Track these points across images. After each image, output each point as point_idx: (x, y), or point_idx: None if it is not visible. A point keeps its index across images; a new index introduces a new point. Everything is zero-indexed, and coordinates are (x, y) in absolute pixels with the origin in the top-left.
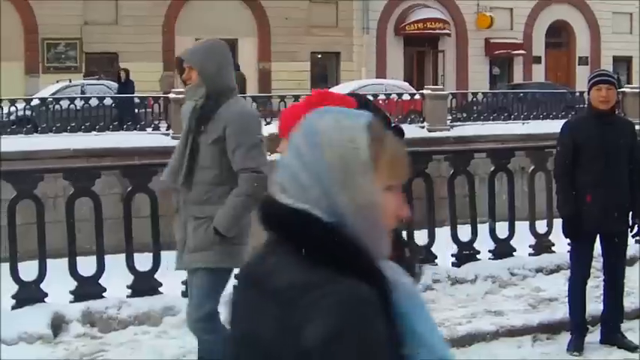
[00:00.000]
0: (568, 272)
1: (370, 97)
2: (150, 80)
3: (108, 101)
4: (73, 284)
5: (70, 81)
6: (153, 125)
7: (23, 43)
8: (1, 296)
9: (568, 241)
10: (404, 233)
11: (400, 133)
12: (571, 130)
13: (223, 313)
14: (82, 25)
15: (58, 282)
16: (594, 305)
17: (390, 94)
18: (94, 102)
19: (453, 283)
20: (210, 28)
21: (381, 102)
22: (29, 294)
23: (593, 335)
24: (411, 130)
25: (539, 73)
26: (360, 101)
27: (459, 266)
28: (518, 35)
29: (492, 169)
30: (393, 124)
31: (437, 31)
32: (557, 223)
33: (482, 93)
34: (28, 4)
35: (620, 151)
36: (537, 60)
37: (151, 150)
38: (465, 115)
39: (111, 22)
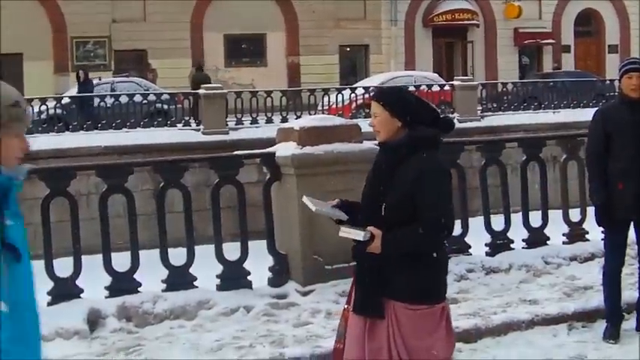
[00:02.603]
0: (602, 260)
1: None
2: (179, 77)
3: (138, 98)
4: (108, 280)
5: (100, 79)
6: (183, 121)
7: (52, 42)
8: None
9: (602, 229)
10: None
11: (450, 124)
12: (602, 117)
13: None
14: (110, 23)
15: (93, 278)
16: (629, 293)
17: (420, 86)
18: (124, 99)
19: (487, 272)
20: (238, 23)
21: None
22: (65, 290)
23: (629, 323)
24: None
25: (568, 61)
26: (406, 96)
27: (493, 255)
28: (547, 24)
29: (524, 158)
30: (442, 116)
31: (465, 22)
32: (591, 211)
33: (512, 83)
34: (56, 3)
35: None
36: (566, 49)
37: (182, 146)
38: (495, 105)
39: (139, 20)
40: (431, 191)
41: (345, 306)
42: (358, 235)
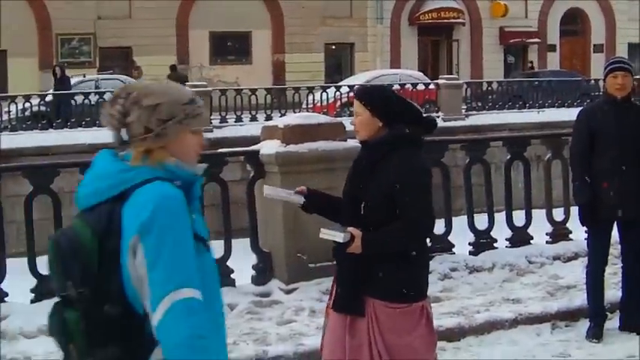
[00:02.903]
0: (585, 259)
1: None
2: (164, 74)
3: None
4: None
5: (85, 76)
6: None
7: (37, 39)
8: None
9: (585, 228)
10: None
11: (433, 123)
12: (587, 117)
13: None
14: (95, 20)
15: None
16: (612, 292)
17: (405, 84)
18: (108, 96)
19: (470, 271)
20: (223, 20)
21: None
22: (48, 288)
23: (612, 322)
24: None
25: (554, 61)
26: (388, 96)
27: (476, 254)
28: (533, 23)
29: (509, 157)
30: (426, 115)
31: (451, 21)
32: (574, 210)
33: (497, 82)
34: (42, 0)
35: (636, 138)
36: (552, 48)
37: None
38: (479, 104)
39: (124, 17)
40: (411, 190)
41: (329, 302)
42: (338, 236)
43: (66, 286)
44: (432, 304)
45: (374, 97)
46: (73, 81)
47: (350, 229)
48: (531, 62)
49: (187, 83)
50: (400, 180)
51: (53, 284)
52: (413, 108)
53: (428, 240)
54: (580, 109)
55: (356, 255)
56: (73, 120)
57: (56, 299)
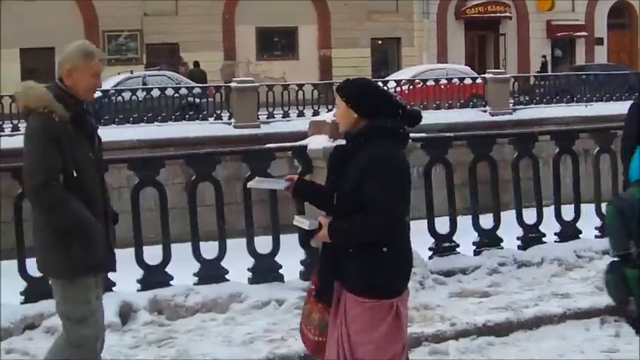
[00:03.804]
0: None
1: (432, 82)
2: (210, 70)
3: (170, 92)
4: (139, 273)
5: (132, 72)
6: (215, 115)
7: (84, 36)
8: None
9: None
10: None
11: (414, 116)
12: (639, 110)
13: None
14: (142, 17)
15: (125, 271)
16: None
17: (452, 79)
18: (155, 93)
19: (519, 266)
20: (270, 16)
21: (442, 87)
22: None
23: None
24: (474, 115)
25: (601, 54)
26: (365, 89)
27: (524, 249)
28: (580, 17)
29: (557, 151)
30: (408, 109)
31: (498, 15)
32: None
33: (545, 75)
34: None
35: None
36: (599, 41)
37: (214, 139)
38: (527, 98)
39: (171, 13)
40: (374, 182)
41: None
42: (305, 224)
43: (628, 246)
44: (480, 299)
45: (350, 89)
46: (120, 78)
47: (320, 217)
48: (544, 56)
49: (235, 79)
50: (366, 172)
51: (612, 243)
52: (392, 102)
53: (396, 235)
54: (632, 102)
55: (331, 245)
56: (120, 116)
57: (614, 259)
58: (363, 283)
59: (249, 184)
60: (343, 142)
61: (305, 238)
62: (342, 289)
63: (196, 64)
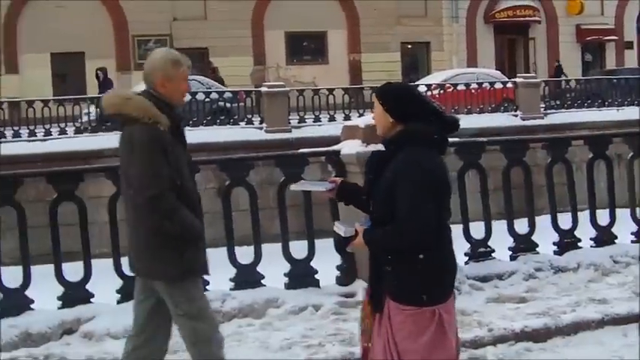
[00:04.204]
0: None
1: (462, 87)
2: (240, 75)
3: (200, 96)
4: None
5: None
6: (246, 119)
7: (114, 41)
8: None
9: None
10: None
11: (450, 123)
12: None
13: None
14: (171, 22)
15: None
16: None
17: (483, 83)
18: (186, 97)
19: (555, 271)
20: (299, 21)
21: (473, 91)
22: (133, 288)
23: None
24: (505, 119)
25: (631, 58)
26: (402, 93)
27: (560, 254)
28: (610, 21)
29: (590, 156)
30: (445, 115)
31: (527, 19)
32: None
33: (576, 80)
34: (118, 2)
35: None
36: (629, 45)
37: (245, 144)
38: (558, 102)
39: (200, 18)
40: (405, 188)
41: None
42: (342, 230)
43: None
44: (518, 305)
45: (387, 93)
46: None
47: (356, 224)
48: (557, 61)
49: (265, 83)
50: (397, 178)
51: None
52: (429, 107)
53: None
54: None
55: (375, 254)
56: None
57: None
58: (401, 290)
59: (292, 187)
60: (380, 147)
61: (342, 244)
62: (386, 296)
63: (214, 70)
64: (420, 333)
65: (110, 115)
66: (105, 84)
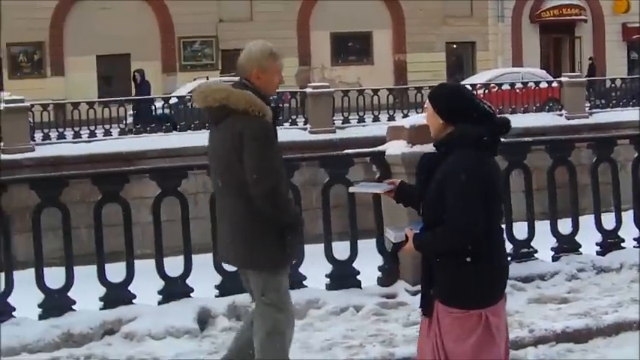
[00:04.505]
0: None
1: (507, 86)
2: (286, 75)
3: None
4: (218, 279)
5: (208, 78)
6: (290, 120)
7: (160, 43)
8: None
9: None
10: None
11: (502, 124)
12: None
13: None
14: (217, 23)
15: (204, 277)
16: None
17: (528, 83)
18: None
19: (598, 272)
20: (344, 22)
21: (518, 90)
22: (175, 289)
23: None
24: (550, 119)
25: None
26: (452, 94)
27: (603, 255)
28: None
29: (636, 155)
30: (497, 117)
31: (573, 17)
32: None
33: (621, 79)
34: (164, 4)
35: None
36: None
37: (290, 145)
38: (603, 101)
39: (246, 19)
40: (451, 191)
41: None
42: (392, 236)
43: None
44: (560, 305)
45: (438, 94)
46: (196, 84)
47: (406, 229)
48: (591, 58)
49: (310, 84)
50: (446, 180)
51: None
52: (479, 109)
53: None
54: None
55: (426, 257)
56: (196, 122)
57: None
58: (449, 293)
59: (351, 190)
60: (427, 148)
61: (393, 250)
62: (435, 299)
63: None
64: (466, 336)
65: (209, 108)
66: (142, 86)
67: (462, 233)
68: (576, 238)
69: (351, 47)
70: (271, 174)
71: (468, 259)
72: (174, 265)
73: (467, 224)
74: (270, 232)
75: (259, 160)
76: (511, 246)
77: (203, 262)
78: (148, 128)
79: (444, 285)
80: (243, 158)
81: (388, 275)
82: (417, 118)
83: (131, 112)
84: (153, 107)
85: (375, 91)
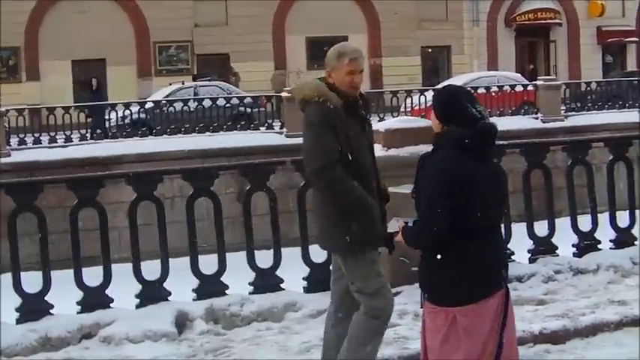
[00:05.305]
0: None
1: (483, 90)
2: (261, 80)
3: (221, 102)
4: (195, 283)
5: (183, 83)
6: (267, 124)
7: (135, 47)
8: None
9: None
10: None
11: (484, 130)
12: None
13: None
14: (192, 27)
15: (181, 281)
16: None
17: (503, 86)
18: (207, 103)
19: (574, 273)
20: (319, 26)
21: (493, 94)
22: (153, 293)
23: None
24: (525, 122)
25: None
26: (447, 97)
27: (580, 256)
28: (631, 22)
29: (611, 158)
30: (483, 122)
31: (548, 21)
32: None
33: (596, 82)
34: (139, 8)
35: None
36: None
37: (266, 149)
38: (579, 104)
39: (221, 24)
40: (424, 189)
41: None
42: (391, 225)
43: None
44: (537, 307)
45: (436, 97)
46: (171, 88)
47: (401, 221)
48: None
49: (285, 88)
50: (425, 179)
51: None
52: (467, 112)
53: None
54: None
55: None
56: (172, 127)
57: None
58: (426, 287)
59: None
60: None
61: (387, 239)
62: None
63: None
64: (437, 332)
65: (300, 102)
66: (98, 93)
67: (428, 230)
68: (553, 240)
69: (327, 51)
70: (320, 156)
71: (439, 257)
72: (151, 269)
73: (431, 222)
74: (334, 214)
75: (309, 142)
76: None
77: (180, 265)
78: (124, 132)
79: (422, 279)
80: None
81: None
82: (392, 122)
83: (107, 117)
84: (107, 117)
85: None
